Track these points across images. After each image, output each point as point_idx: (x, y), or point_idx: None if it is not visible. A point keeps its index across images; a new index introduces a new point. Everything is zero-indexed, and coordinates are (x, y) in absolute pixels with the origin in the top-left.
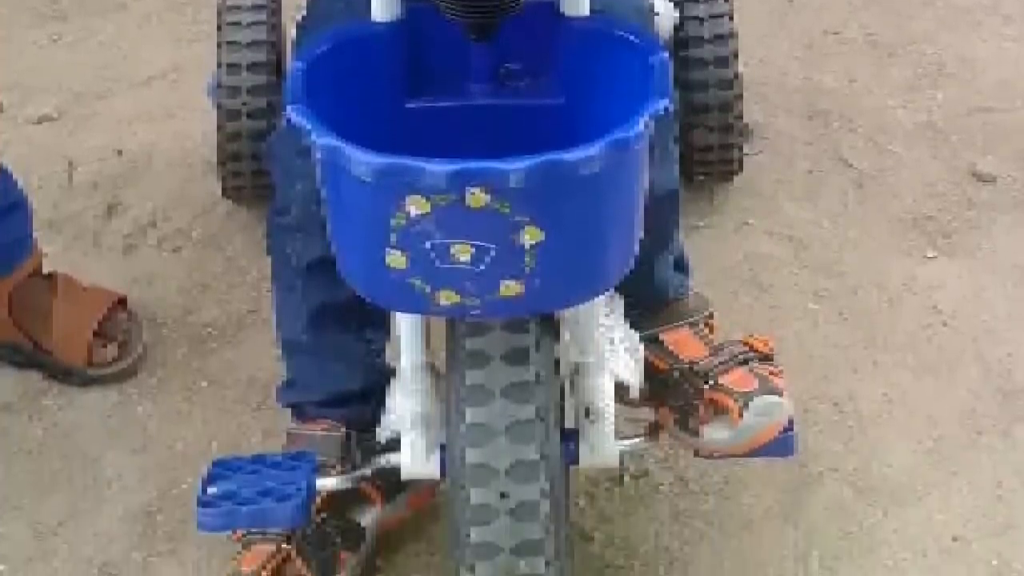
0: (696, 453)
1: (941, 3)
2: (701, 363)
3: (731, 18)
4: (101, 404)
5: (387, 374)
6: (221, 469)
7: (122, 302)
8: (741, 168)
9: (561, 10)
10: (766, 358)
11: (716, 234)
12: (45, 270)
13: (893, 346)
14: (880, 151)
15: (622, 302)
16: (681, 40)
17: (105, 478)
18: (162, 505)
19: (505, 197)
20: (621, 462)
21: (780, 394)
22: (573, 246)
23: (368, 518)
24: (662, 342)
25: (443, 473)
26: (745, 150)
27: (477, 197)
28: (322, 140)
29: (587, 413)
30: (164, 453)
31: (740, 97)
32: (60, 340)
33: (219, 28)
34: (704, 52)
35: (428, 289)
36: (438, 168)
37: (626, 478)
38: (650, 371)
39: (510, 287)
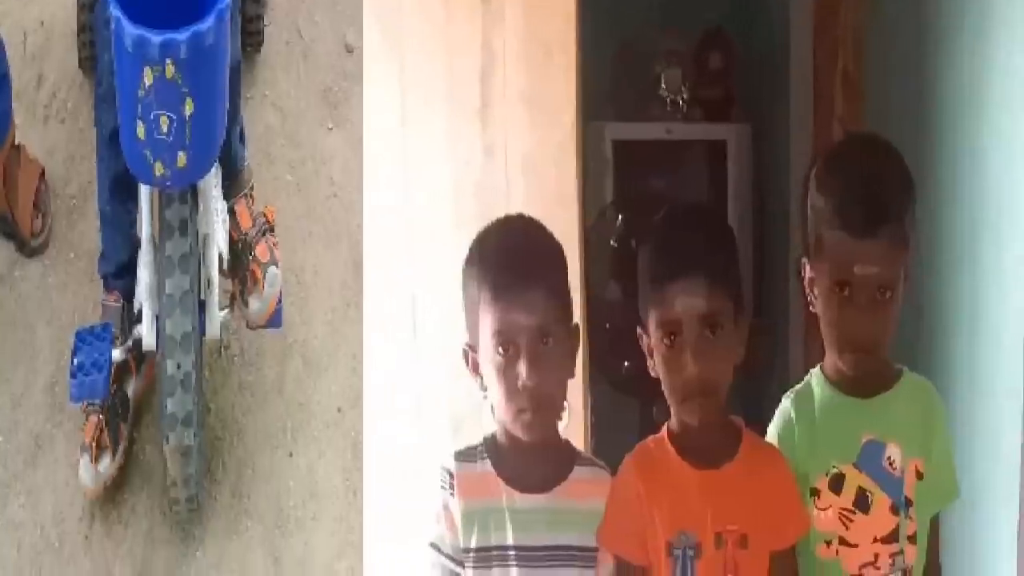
0: (247, 325)
1: None
2: (249, 235)
3: None
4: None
5: (137, 245)
6: (78, 341)
7: (42, 174)
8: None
9: None
10: (272, 229)
11: None
12: None
13: None
14: None
15: (221, 173)
16: None
17: None
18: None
19: (180, 68)
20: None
21: (277, 264)
22: (208, 116)
23: (131, 389)
24: (235, 212)
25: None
26: None
27: (169, 68)
28: (112, 10)
29: (208, 284)
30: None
31: None
32: (21, 211)
33: None
34: None
35: (152, 159)
36: (156, 38)
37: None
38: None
39: (181, 158)
